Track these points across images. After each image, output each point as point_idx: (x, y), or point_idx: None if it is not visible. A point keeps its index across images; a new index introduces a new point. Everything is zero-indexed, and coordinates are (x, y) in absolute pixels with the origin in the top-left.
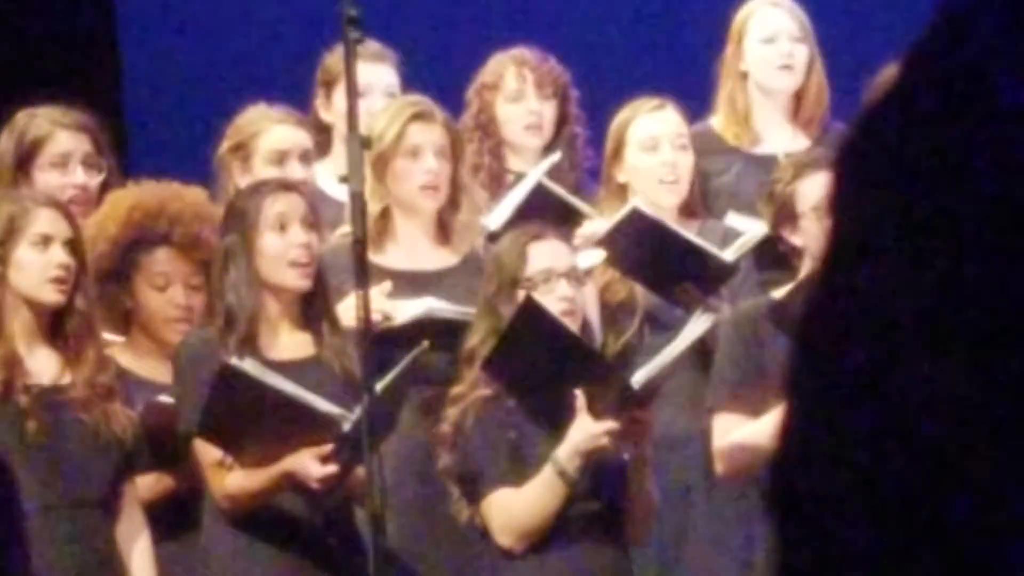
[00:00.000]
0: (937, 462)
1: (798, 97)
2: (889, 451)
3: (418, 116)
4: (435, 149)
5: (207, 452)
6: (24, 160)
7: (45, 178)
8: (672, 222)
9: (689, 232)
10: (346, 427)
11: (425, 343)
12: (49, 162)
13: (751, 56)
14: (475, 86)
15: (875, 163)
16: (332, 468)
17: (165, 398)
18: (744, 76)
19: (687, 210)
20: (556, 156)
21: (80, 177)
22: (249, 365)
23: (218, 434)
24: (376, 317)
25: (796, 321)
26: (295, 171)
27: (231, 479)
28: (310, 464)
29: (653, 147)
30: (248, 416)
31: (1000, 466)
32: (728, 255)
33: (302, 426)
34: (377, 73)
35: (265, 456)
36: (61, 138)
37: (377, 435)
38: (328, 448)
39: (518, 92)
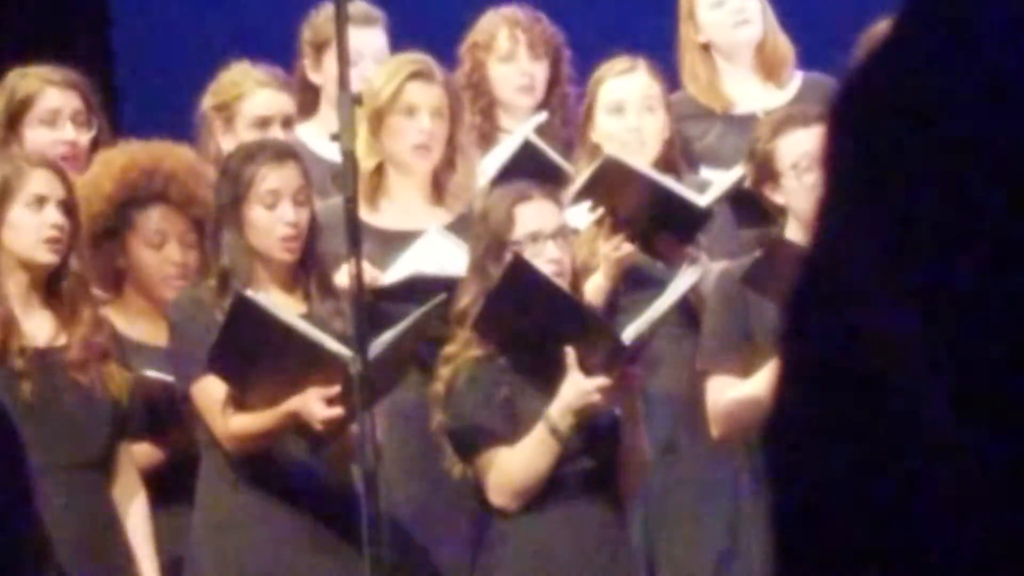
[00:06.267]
0: (934, 430)
1: (759, 52)
2: (884, 415)
3: (417, 75)
4: (431, 109)
5: (212, 393)
6: (14, 118)
7: (35, 135)
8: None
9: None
10: (354, 370)
11: (441, 296)
12: (39, 119)
13: (706, 23)
14: (467, 44)
15: (869, 115)
16: (337, 411)
17: (153, 373)
18: (703, 47)
19: (665, 166)
20: (543, 115)
21: (70, 134)
22: (263, 298)
23: (227, 369)
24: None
25: (789, 282)
26: (276, 136)
27: (236, 420)
28: (315, 405)
29: (619, 110)
30: (258, 350)
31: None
32: (702, 200)
33: (310, 364)
34: (367, 38)
35: (271, 395)
36: (51, 95)
37: (382, 389)
38: (334, 390)
39: (510, 52)
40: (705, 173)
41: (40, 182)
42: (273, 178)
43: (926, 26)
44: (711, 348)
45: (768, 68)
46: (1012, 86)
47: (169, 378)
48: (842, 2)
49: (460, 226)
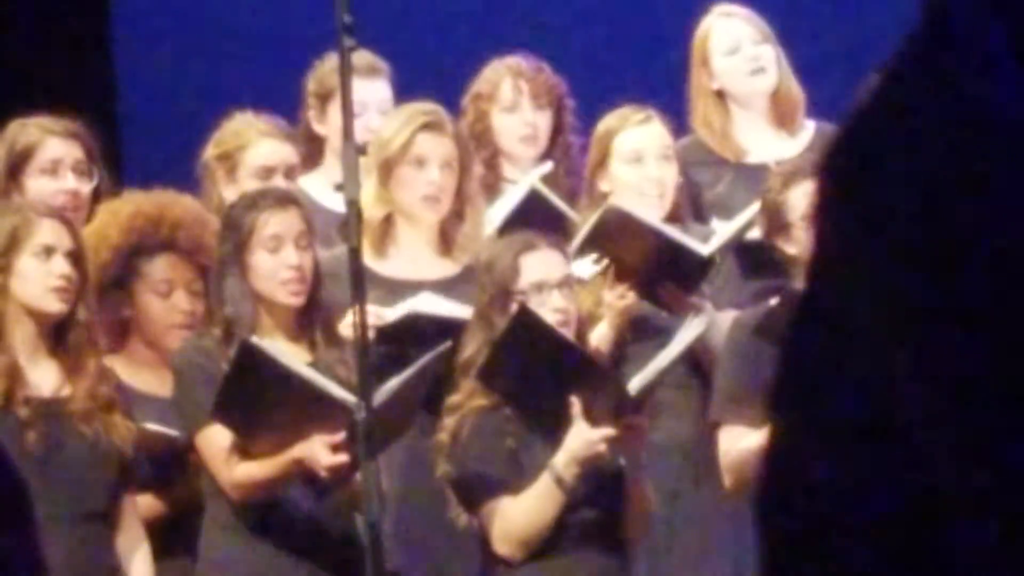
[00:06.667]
0: (924, 487)
1: (774, 100)
2: (875, 471)
3: (428, 126)
4: (441, 161)
5: (216, 442)
6: (15, 168)
7: (36, 185)
8: (650, 217)
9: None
10: (359, 417)
11: (446, 344)
12: (40, 168)
13: (720, 70)
14: (470, 95)
15: (859, 169)
16: (342, 458)
17: (154, 426)
18: (717, 94)
19: (673, 217)
20: (548, 165)
21: (71, 183)
22: (269, 345)
23: (232, 416)
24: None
25: (781, 337)
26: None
27: (241, 468)
28: (320, 451)
29: (638, 160)
30: (264, 397)
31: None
32: (704, 249)
33: (315, 411)
34: (371, 89)
35: (276, 442)
36: (52, 144)
37: (387, 437)
38: (340, 436)
39: (513, 103)
40: (716, 225)
41: (48, 232)
42: (275, 222)
43: (910, 78)
44: (724, 398)
45: (781, 116)
46: (994, 131)
47: (171, 431)
48: (856, 51)
49: (466, 277)
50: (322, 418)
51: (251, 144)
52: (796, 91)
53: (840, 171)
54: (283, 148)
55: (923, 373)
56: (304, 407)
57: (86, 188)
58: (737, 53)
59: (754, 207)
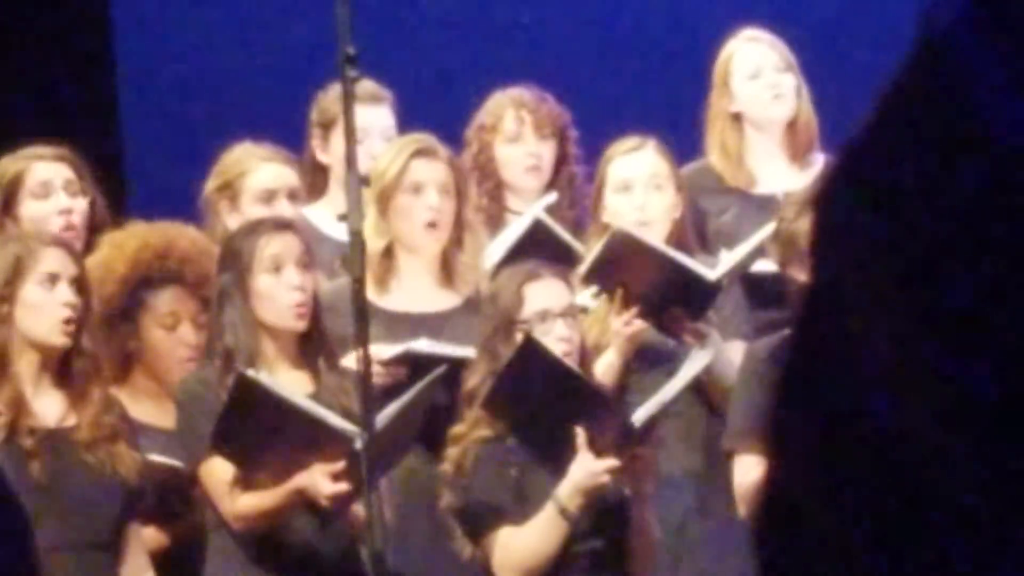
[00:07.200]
0: (922, 524)
1: (790, 129)
2: (867, 506)
3: (421, 152)
4: (437, 185)
5: (218, 473)
6: (9, 199)
7: (30, 211)
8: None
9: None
10: (358, 445)
11: (441, 369)
12: (31, 194)
13: (740, 94)
14: (473, 127)
15: (855, 199)
16: (343, 486)
17: (157, 457)
18: (734, 117)
19: (676, 246)
20: (553, 196)
21: (64, 202)
22: (265, 377)
23: (231, 448)
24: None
25: (779, 369)
26: (283, 210)
27: (242, 499)
28: (321, 481)
29: (626, 188)
30: (262, 429)
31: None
32: (711, 274)
33: (314, 441)
34: (374, 116)
35: (276, 473)
36: (39, 168)
37: (385, 464)
38: (339, 465)
39: (517, 134)
40: (723, 255)
41: (51, 260)
42: (275, 244)
43: (911, 106)
44: (738, 427)
45: (795, 147)
46: (994, 158)
47: (176, 463)
48: (873, 85)
49: (468, 309)
50: (321, 447)
51: (251, 170)
52: (813, 124)
53: (839, 199)
54: (283, 171)
55: (930, 404)
56: (303, 437)
57: (80, 206)
58: (758, 78)
59: (762, 234)
